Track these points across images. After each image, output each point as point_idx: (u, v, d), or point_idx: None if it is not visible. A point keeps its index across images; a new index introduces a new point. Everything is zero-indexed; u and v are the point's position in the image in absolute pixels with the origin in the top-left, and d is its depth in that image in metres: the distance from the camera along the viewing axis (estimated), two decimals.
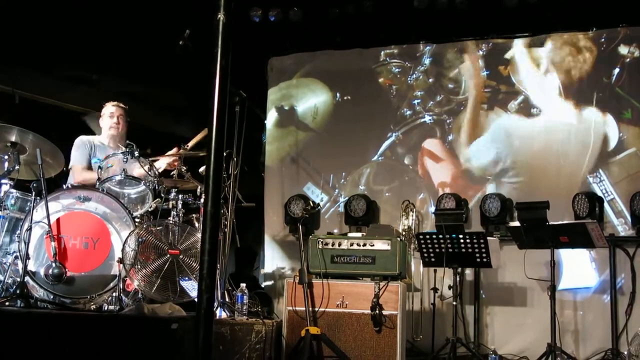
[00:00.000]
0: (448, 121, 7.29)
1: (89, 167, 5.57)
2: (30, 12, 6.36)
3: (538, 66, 7.02)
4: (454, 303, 5.60)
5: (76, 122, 6.70)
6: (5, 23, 6.33)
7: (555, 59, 6.96)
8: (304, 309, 5.01)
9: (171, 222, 5.00)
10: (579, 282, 6.42)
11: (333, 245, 5.28)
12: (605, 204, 6.47)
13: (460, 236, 5.48)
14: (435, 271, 6.29)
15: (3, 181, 4.55)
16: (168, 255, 4.77)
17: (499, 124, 7.08)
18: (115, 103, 5.76)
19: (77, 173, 5.44)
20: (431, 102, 7.39)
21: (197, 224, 5.34)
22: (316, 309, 5.07)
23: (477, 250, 5.46)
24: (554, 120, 6.88)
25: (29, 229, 4.33)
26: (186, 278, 4.76)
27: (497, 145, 7.03)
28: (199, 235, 4.89)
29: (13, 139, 4.57)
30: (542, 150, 6.85)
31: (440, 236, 5.51)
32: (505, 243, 6.27)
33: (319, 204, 7.21)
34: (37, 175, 4.53)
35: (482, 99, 7.19)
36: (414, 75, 7.50)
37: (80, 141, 5.63)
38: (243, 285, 5.11)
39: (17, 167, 4.55)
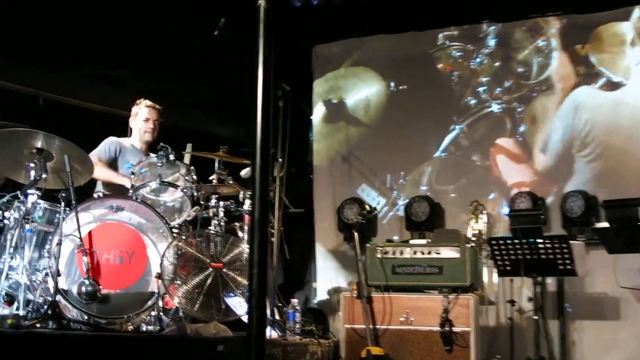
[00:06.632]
0: (519, 109, 7.20)
1: (110, 165, 5.66)
2: (50, 10, 6.49)
3: (622, 43, 6.88)
4: (535, 317, 5.55)
5: (104, 124, 6.81)
6: (26, 22, 6.49)
7: None
8: (363, 326, 5.04)
9: (212, 232, 5.07)
10: None
11: (394, 254, 5.32)
12: None
13: (539, 240, 5.43)
14: (511, 281, 6.15)
15: (29, 191, 4.62)
16: (210, 269, 4.82)
17: (575, 110, 6.95)
18: (150, 104, 5.81)
19: None
20: (499, 89, 7.31)
21: (240, 234, 5.40)
22: (377, 327, 5.11)
23: (559, 256, 5.39)
24: None
25: (59, 243, 4.41)
26: (231, 294, 4.81)
27: (575, 135, 6.90)
28: (244, 246, 4.96)
29: (39, 145, 4.63)
30: (631, 137, 6.69)
31: (516, 241, 5.46)
32: (592, 247, 6.12)
33: (375, 208, 7.20)
34: (66, 184, 4.61)
35: (557, 83, 7.08)
36: (478, 59, 7.44)
37: (108, 140, 5.75)
38: (294, 301, 5.15)
39: (44, 176, 4.61)
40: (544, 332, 6.23)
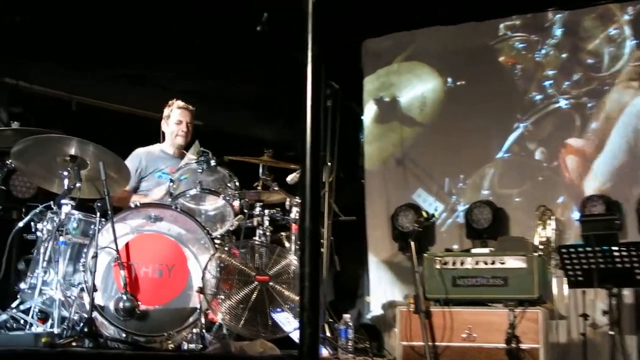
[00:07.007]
0: (589, 105, 7.14)
1: (136, 188, 5.66)
2: (80, 9, 6.56)
3: None
4: (611, 332, 5.41)
5: (140, 129, 6.85)
6: (56, 22, 6.58)
7: None
8: (421, 343, 5.04)
9: (257, 242, 5.05)
10: None
11: (454, 264, 5.37)
12: None
13: (614, 248, 5.31)
14: (584, 293, 6.10)
15: (63, 201, 4.63)
16: (256, 283, 4.77)
17: None
18: (182, 105, 5.78)
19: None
20: (567, 83, 7.27)
21: (287, 244, 5.41)
22: (437, 344, 5.10)
23: (636, 265, 5.26)
24: None
25: (95, 256, 4.41)
26: (278, 309, 4.77)
27: None
28: (291, 257, 4.95)
29: (72, 151, 4.65)
30: None
31: (589, 249, 5.35)
32: None
33: (433, 215, 7.13)
34: (101, 193, 4.61)
35: (631, 75, 6.98)
36: (543, 51, 7.42)
37: (128, 159, 5.62)
38: (347, 316, 5.13)
39: (78, 185, 4.63)
40: (620, 348, 6.10)
